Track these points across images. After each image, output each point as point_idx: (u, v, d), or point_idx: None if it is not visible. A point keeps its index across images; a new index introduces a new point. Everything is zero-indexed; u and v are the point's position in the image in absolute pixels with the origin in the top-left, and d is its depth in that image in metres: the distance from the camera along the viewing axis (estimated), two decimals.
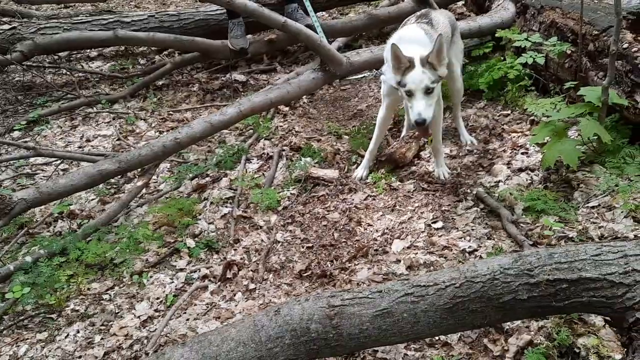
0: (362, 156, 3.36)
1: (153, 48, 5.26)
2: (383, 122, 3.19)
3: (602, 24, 2.98)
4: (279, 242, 2.90)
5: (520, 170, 2.97)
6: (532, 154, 3.03)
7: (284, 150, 3.66)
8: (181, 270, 2.80)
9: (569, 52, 3.11)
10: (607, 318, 1.89)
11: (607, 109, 2.65)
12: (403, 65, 2.59)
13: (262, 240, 2.93)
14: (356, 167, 3.31)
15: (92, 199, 3.43)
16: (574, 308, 1.43)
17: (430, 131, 2.86)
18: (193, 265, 2.82)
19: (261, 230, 3.01)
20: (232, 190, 3.32)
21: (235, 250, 2.88)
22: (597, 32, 2.96)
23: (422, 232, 2.75)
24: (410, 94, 2.60)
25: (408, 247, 2.66)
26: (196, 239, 2.98)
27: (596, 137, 2.66)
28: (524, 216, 2.63)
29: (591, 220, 2.45)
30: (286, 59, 5.07)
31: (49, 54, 5.02)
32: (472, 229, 2.67)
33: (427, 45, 2.68)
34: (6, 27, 4.80)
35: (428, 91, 2.57)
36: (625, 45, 2.74)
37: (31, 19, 5.14)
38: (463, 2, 5.07)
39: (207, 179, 3.49)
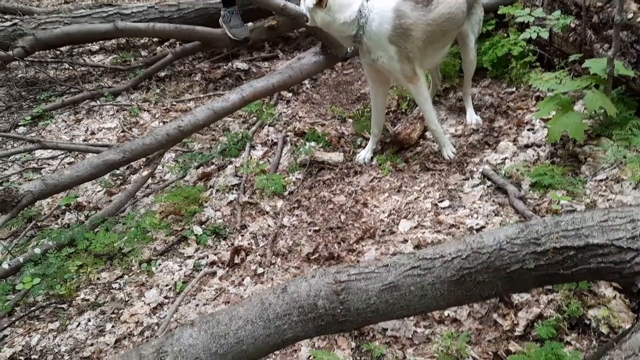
0: (367, 139, 3.35)
1: (154, 40, 5.26)
2: (373, 98, 3.22)
3: None
4: (285, 226, 2.90)
5: (527, 146, 2.94)
6: (538, 130, 2.99)
7: (288, 135, 3.65)
8: (189, 257, 2.81)
9: (573, 25, 3.06)
10: (616, 285, 1.88)
11: (613, 80, 2.61)
12: None
13: (269, 225, 2.93)
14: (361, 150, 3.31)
15: (99, 191, 3.44)
16: (582, 275, 1.41)
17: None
18: (201, 252, 2.83)
19: (268, 215, 3.01)
20: (238, 177, 3.32)
21: (242, 236, 2.89)
22: (601, 3, 2.91)
23: (429, 211, 2.74)
24: None
25: (415, 227, 2.65)
26: (203, 226, 2.98)
27: (602, 110, 2.63)
28: (531, 192, 2.61)
29: (599, 193, 2.42)
30: (288, 45, 5.04)
31: (50, 49, 5.02)
32: (479, 207, 2.65)
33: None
34: (7, 23, 4.80)
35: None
36: (630, 16, 2.69)
37: (32, 15, 5.13)
38: None
39: (212, 167, 3.49)
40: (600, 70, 2.59)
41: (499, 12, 3.63)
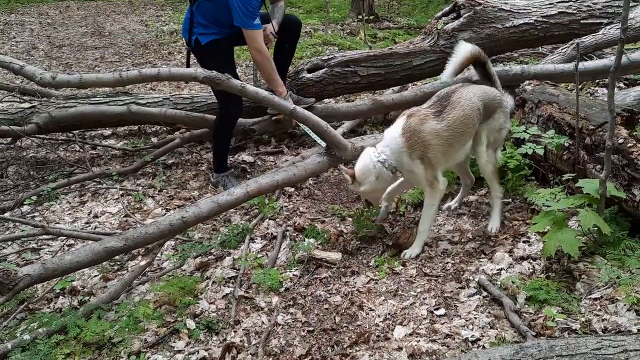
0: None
1: (165, 128, 5.45)
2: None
3: (598, 119, 3.11)
4: (279, 324, 2.87)
5: (522, 258, 2.99)
6: (534, 242, 3.06)
7: (287, 230, 3.70)
8: (179, 351, 2.75)
9: (566, 144, 3.22)
10: None
11: (605, 201, 2.72)
12: None
13: (263, 322, 2.90)
14: None
15: (95, 275, 3.43)
16: None
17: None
18: (192, 347, 2.78)
19: (262, 311, 2.99)
20: (235, 270, 3.33)
21: (235, 332, 2.85)
22: (593, 127, 3.08)
23: (425, 318, 2.73)
24: None
25: (410, 334, 2.63)
26: (196, 319, 2.95)
27: (596, 228, 2.71)
28: (526, 305, 2.62)
29: (594, 312, 2.44)
30: (293, 142, 5.23)
31: (63, 131, 5.20)
32: (475, 317, 2.65)
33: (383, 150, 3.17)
34: (26, 105, 5.01)
35: None
36: (621, 141, 2.84)
37: (50, 98, 5.36)
38: None
39: (211, 257, 3.51)
40: (593, 191, 2.70)
41: None
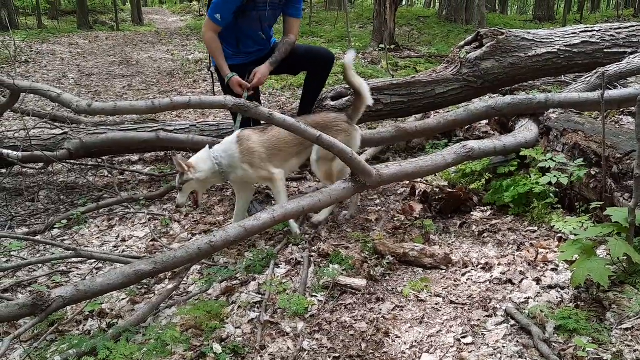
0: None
1: (191, 154, 5.56)
2: (238, 200, 4.26)
3: (625, 147, 3.11)
4: (305, 350, 2.87)
5: (550, 287, 2.96)
6: (562, 271, 3.03)
7: (312, 256, 3.72)
8: None
9: (593, 172, 3.22)
10: None
11: (634, 229, 2.70)
12: None
13: (289, 348, 2.90)
14: None
15: (123, 299, 3.48)
16: None
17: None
18: None
19: (288, 337, 3.00)
20: (260, 295, 3.35)
21: (261, 356, 2.86)
22: (620, 155, 3.07)
23: (452, 346, 2.71)
24: None
25: None
26: (223, 343, 2.97)
27: (626, 257, 2.68)
28: (555, 335, 2.59)
29: (625, 343, 2.40)
30: None
31: (93, 157, 5.34)
32: (503, 347, 2.63)
33: None
34: (58, 131, 5.17)
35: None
36: None
37: (80, 124, 5.53)
38: (487, 122, 5.31)
39: (236, 281, 3.54)
40: (622, 219, 2.68)
41: (520, 153, 3.83)
